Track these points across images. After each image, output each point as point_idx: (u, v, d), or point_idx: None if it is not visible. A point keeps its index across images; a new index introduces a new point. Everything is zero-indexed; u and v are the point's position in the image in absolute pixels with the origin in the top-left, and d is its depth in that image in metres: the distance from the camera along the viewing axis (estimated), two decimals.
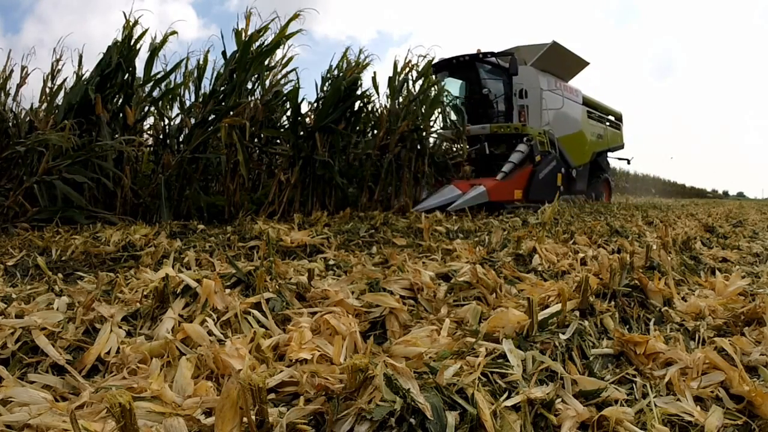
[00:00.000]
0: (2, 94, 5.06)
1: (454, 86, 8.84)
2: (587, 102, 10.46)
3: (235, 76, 5.55)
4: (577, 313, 1.47)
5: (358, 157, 6.42)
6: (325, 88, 6.16)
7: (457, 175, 7.38)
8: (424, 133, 6.88)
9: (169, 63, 5.84)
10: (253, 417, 0.82)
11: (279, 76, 6.08)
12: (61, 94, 5.39)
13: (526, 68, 8.57)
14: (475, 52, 8.48)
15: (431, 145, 7.36)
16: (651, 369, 1.20)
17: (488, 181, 6.64)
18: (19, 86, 5.25)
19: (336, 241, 3.23)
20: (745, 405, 1.04)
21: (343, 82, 5.99)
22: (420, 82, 7.11)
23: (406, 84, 6.95)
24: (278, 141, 6.13)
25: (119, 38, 5.19)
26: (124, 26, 5.20)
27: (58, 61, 5.44)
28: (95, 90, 4.96)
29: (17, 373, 1.18)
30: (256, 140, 5.94)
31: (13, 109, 5.07)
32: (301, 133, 5.82)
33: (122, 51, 5.14)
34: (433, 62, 7.95)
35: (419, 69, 7.05)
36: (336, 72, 6.27)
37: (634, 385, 1.13)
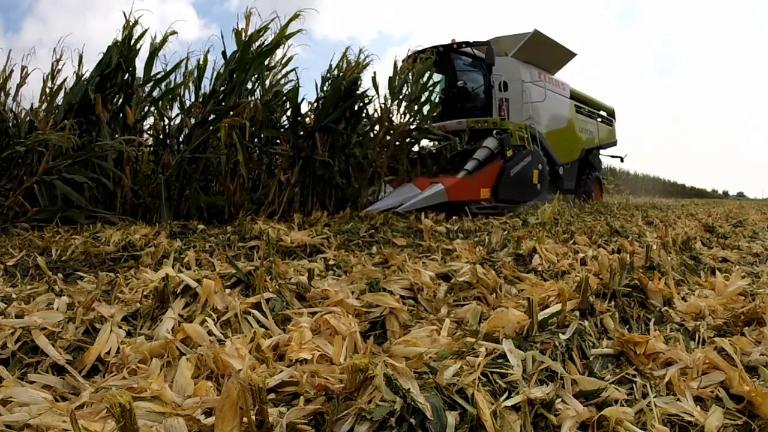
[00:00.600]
0: (2, 94, 5.06)
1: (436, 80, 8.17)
2: (576, 96, 9.99)
3: (235, 76, 5.56)
4: (577, 313, 1.47)
5: (357, 158, 6.41)
6: (325, 88, 6.16)
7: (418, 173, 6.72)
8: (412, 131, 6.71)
9: (169, 63, 5.84)
10: (253, 417, 0.82)
11: (279, 76, 6.08)
12: (61, 94, 5.39)
13: (506, 59, 8.08)
14: (450, 42, 7.86)
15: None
16: (651, 369, 1.20)
17: (448, 179, 6.02)
18: (19, 86, 5.25)
19: (336, 241, 3.23)
20: (745, 405, 1.04)
21: (343, 82, 6.00)
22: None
23: (406, 84, 6.91)
24: (278, 141, 6.13)
25: (119, 38, 5.19)
26: (124, 26, 5.20)
27: (58, 61, 5.44)
28: (95, 90, 4.96)
29: (17, 373, 1.18)
30: (256, 140, 5.94)
31: (13, 109, 5.07)
32: (301, 133, 5.83)
33: (122, 51, 5.14)
34: (407, 55, 7.63)
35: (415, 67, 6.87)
36: (336, 72, 6.27)
37: (634, 385, 1.13)
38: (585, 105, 10.32)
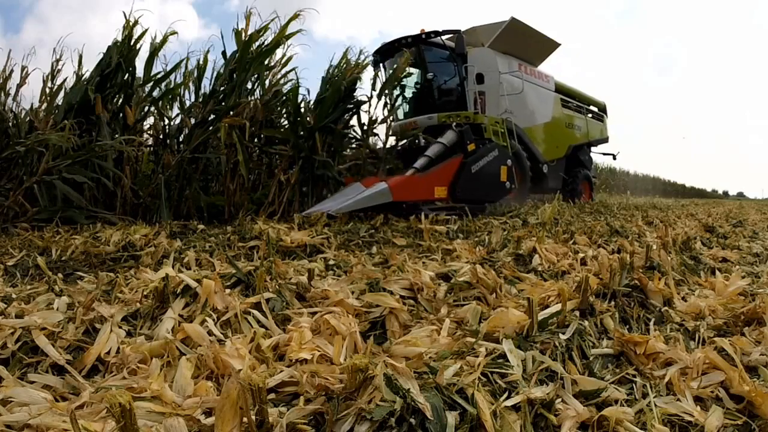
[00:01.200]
0: (2, 94, 5.07)
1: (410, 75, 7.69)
2: (562, 90, 9.32)
3: (235, 76, 5.56)
4: (577, 313, 1.47)
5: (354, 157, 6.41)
6: (326, 87, 6.17)
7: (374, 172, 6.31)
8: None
9: (169, 63, 5.86)
10: (253, 417, 0.82)
11: (279, 76, 6.09)
12: (61, 94, 5.40)
13: (482, 50, 7.53)
14: (419, 32, 7.26)
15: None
16: (651, 369, 1.20)
17: (393, 178, 5.43)
18: (19, 86, 5.26)
19: (336, 241, 3.23)
20: (745, 405, 1.04)
21: (342, 82, 6.00)
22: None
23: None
24: (277, 141, 6.14)
25: (119, 38, 5.20)
26: (124, 26, 5.21)
27: (58, 61, 5.44)
28: (95, 90, 4.97)
29: (17, 373, 1.18)
30: (256, 140, 5.95)
31: (13, 109, 5.08)
32: (301, 132, 5.83)
33: (122, 51, 5.15)
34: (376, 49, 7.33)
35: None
36: (336, 72, 6.28)
37: (634, 385, 1.13)
38: (572, 99, 9.69)
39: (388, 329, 1.51)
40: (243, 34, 5.62)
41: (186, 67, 5.91)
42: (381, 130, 7.31)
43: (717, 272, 2.45)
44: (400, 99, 7.55)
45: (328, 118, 5.85)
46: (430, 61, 7.38)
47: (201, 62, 5.92)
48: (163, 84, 5.73)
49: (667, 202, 13.72)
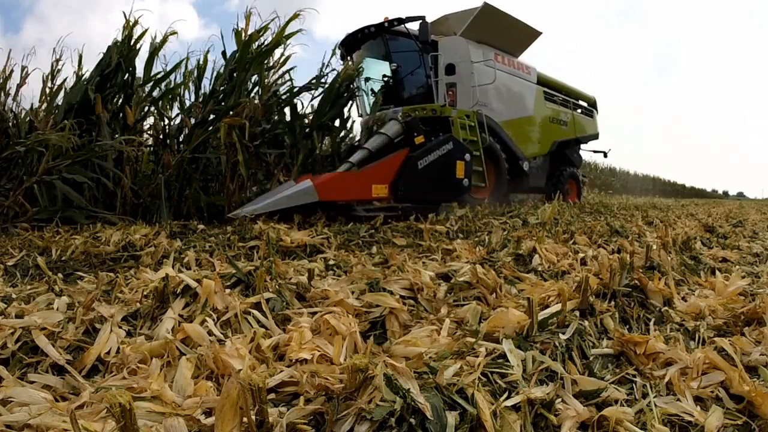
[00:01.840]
0: (2, 94, 5.06)
1: (377, 67, 7.17)
2: (546, 82, 8.69)
3: (235, 75, 5.56)
4: (577, 313, 1.47)
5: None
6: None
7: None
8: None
9: (169, 63, 5.86)
10: (253, 417, 0.82)
11: (277, 76, 6.09)
12: (61, 94, 5.40)
13: (454, 39, 6.99)
14: (383, 20, 6.68)
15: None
16: (651, 369, 1.20)
17: (323, 175, 4.95)
18: (19, 86, 5.26)
19: (336, 241, 3.23)
20: (745, 405, 1.04)
21: (338, 79, 5.99)
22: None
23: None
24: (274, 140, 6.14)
25: (119, 38, 5.20)
26: (124, 26, 5.21)
27: (58, 61, 5.44)
28: (95, 90, 4.97)
29: (17, 373, 1.18)
30: (255, 140, 5.95)
31: (13, 109, 5.07)
32: (299, 131, 5.83)
33: (122, 51, 5.15)
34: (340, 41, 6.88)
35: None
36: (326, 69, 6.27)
37: (634, 385, 1.13)
38: (558, 92, 9.05)
39: (388, 329, 1.51)
40: (243, 34, 5.62)
41: (186, 67, 5.91)
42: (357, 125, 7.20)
43: (717, 272, 2.45)
44: (369, 92, 7.19)
45: (326, 116, 5.85)
46: (394, 51, 6.80)
47: (201, 62, 5.92)
48: (163, 84, 5.73)
49: (667, 202, 13.71)
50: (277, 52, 5.86)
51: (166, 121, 5.84)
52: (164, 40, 5.50)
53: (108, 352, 1.27)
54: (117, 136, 4.88)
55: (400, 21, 6.49)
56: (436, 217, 4.81)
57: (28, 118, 5.02)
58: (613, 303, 1.65)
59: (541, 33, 7.97)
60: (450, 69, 6.79)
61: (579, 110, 9.75)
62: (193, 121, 5.56)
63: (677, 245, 2.81)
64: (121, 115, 5.19)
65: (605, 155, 11.32)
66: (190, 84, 5.98)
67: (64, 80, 5.52)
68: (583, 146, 10.14)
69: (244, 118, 5.26)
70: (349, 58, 7.07)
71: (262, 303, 1.55)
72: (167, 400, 0.96)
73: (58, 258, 2.77)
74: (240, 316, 1.46)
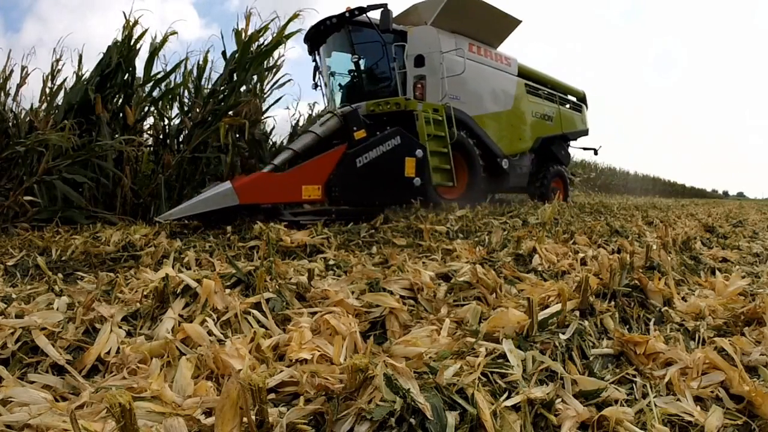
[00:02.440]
0: (2, 94, 5.07)
1: (344, 61, 6.62)
2: (528, 74, 8.13)
3: (235, 76, 5.56)
4: (577, 313, 1.47)
5: None
6: None
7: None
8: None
9: (169, 63, 5.87)
10: (253, 417, 0.82)
11: (278, 76, 6.10)
12: (61, 94, 5.40)
13: (424, 29, 6.49)
14: (344, 10, 6.16)
15: None
16: (651, 369, 1.20)
17: (245, 177, 4.52)
18: (19, 86, 5.26)
19: (336, 241, 3.23)
20: (745, 405, 1.04)
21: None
22: None
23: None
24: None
25: (119, 38, 5.21)
26: (124, 26, 5.21)
27: (58, 61, 5.45)
28: (95, 90, 4.98)
29: (17, 373, 1.18)
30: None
31: (13, 109, 5.08)
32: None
33: (122, 51, 5.15)
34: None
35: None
36: None
37: (634, 385, 1.13)
38: (542, 86, 8.46)
39: (388, 329, 1.51)
40: (243, 34, 5.62)
41: (186, 67, 5.92)
42: None
43: (717, 272, 2.45)
44: (336, 87, 6.76)
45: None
46: (357, 43, 6.26)
47: (201, 62, 5.93)
48: (163, 84, 5.74)
49: (667, 202, 13.70)
50: (277, 52, 5.87)
51: (166, 121, 5.86)
52: (164, 40, 5.51)
53: (108, 352, 1.27)
54: (117, 136, 4.88)
55: (362, 10, 5.98)
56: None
57: (28, 118, 5.03)
58: (613, 303, 1.65)
59: (520, 21, 7.35)
60: (419, 61, 6.27)
61: (566, 105, 9.13)
62: (191, 122, 5.57)
63: (677, 245, 2.81)
64: (121, 115, 5.19)
65: (596, 152, 10.57)
66: (190, 84, 5.99)
67: (64, 80, 5.54)
68: (572, 143, 9.59)
69: (243, 117, 5.26)
70: (316, 53, 6.71)
71: (262, 303, 1.55)
72: (167, 400, 0.96)
73: (58, 258, 2.77)
74: (240, 316, 1.46)
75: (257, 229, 3.44)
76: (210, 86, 5.73)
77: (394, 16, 6.13)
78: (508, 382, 1.04)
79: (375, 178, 4.84)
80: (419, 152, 5.20)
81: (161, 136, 5.73)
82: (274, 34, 5.80)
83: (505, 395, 0.97)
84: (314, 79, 6.83)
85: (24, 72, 5.30)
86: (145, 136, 5.83)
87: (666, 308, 1.69)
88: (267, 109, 6.10)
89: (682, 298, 1.87)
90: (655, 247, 2.47)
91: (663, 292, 1.76)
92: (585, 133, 9.61)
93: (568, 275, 2.26)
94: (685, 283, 2.20)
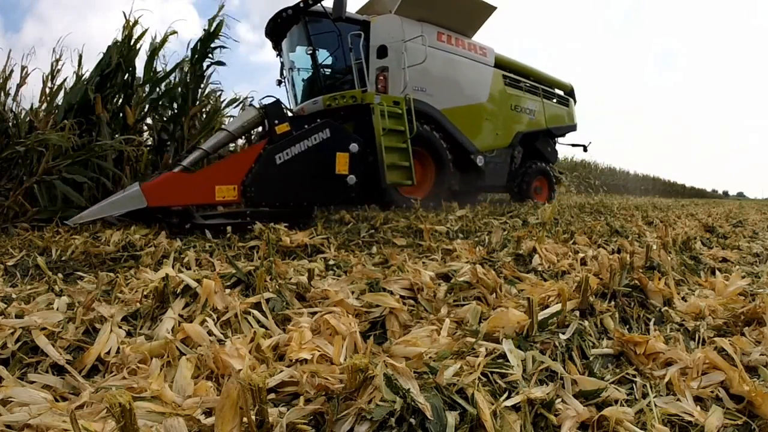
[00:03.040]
0: (2, 94, 5.07)
1: (306, 54, 6.23)
2: (507, 65, 7.62)
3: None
4: (577, 313, 1.48)
5: None
6: None
7: None
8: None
9: (169, 63, 5.87)
10: (253, 417, 0.82)
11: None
12: (61, 94, 5.40)
13: (387, 18, 6.08)
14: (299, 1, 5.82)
15: None
16: (651, 369, 1.20)
17: (156, 178, 4.19)
18: (19, 86, 5.25)
19: (336, 241, 3.24)
20: (745, 405, 1.04)
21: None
22: None
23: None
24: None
25: (119, 38, 5.21)
26: (124, 26, 5.21)
27: (57, 61, 5.44)
28: (95, 90, 4.97)
29: (17, 373, 1.18)
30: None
31: (13, 109, 5.07)
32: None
33: (122, 51, 5.15)
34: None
35: None
36: None
37: (634, 385, 1.13)
38: (524, 78, 7.93)
39: (388, 329, 1.51)
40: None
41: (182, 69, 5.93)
42: None
43: (717, 272, 2.45)
44: (300, 83, 6.48)
45: None
46: (315, 34, 5.92)
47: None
48: (163, 84, 5.74)
49: (667, 202, 13.70)
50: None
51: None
52: (164, 40, 5.51)
53: (108, 352, 1.27)
54: (117, 136, 4.88)
55: (316, 0, 5.68)
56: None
57: (28, 118, 5.02)
58: (613, 303, 1.65)
59: (495, 8, 6.80)
60: (381, 51, 5.89)
61: (552, 99, 8.58)
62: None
63: (677, 245, 2.81)
64: (121, 114, 5.19)
65: (585, 149, 9.94)
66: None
67: (64, 80, 5.53)
68: (560, 140, 9.07)
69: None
70: (280, 48, 6.46)
71: (262, 303, 1.55)
72: (167, 400, 0.96)
73: (58, 258, 2.77)
74: (240, 316, 1.46)
75: (257, 229, 3.44)
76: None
77: (360, 5, 5.94)
78: (508, 382, 1.04)
79: (298, 176, 4.42)
80: (354, 146, 4.70)
81: (164, 136, 5.74)
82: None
83: (505, 395, 0.97)
84: (281, 76, 6.62)
85: (24, 72, 5.29)
86: (145, 136, 5.83)
87: (666, 308, 1.69)
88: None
89: (682, 298, 1.87)
90: (655, 247, 2.47)
91: (663, 292, 1.76)
92: (573, 128, 9.09)
93: (568, 275, 2.26)
94: (685, 283, 2.20)
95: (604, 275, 1.83)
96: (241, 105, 6.68)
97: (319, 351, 1.23)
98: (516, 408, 0.94)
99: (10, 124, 4.75)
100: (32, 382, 1.11)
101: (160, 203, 3.94)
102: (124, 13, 5.24)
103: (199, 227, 3.89)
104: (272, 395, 1.03)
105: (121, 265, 2.62)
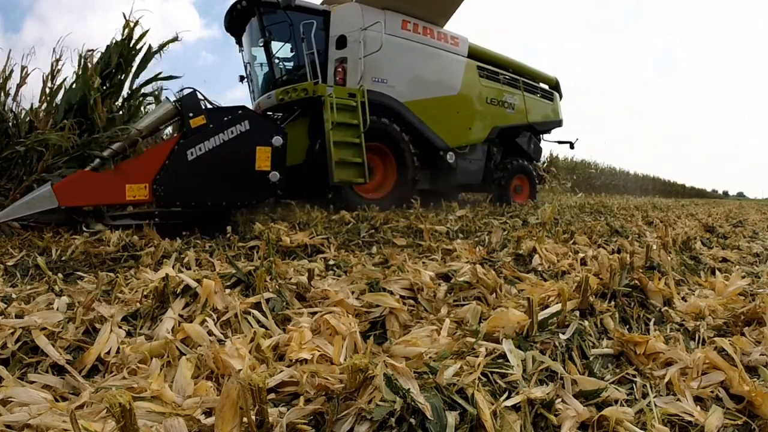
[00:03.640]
0: (2, 94, 5.06)
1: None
2: (482, 56, 7.17)
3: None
4: (577, 313, 1.48)
5: None
6: None
7: None
8: None
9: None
10: (253, 417, 0.82)
11: None
12: (61, 93, 5.40)
13: (348, 6, 5.82)
14: None
15: None
16: (651, 369, 1.20)
17: (67, 177, 3.89)
18: (19, 86, 5.25)
19: (336, 241, 3.24)
20: (745, 405, 1.04)
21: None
22: None
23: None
24: None
25: (118, 38, 5.21)
26: (124, 26, 5.21)
27: (57, 61, 5.44)
28: (96, 91, 4.97)
29: (17, 373, 1.18)
30: None
31: (13, 109, 5.07)
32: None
33: (122, 51, 5.15)
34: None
35: None
36: None
37: (634, 385, 1.13)
38: (502, 69, 7.47)
39: (388, 329, 1.51)
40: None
41: None
42: None
43: (717, 272, 2.45)
44: (258, 78, 6.24)
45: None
46: (268, 25, 5.63)
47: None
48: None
49: (667, 202, 13.69)
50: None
51: None
52: (162, 46, 5.45)
53: (108, 352, 1.27)
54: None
55: None
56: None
57: (28, 118, 5.02)
58: (613, 303, 1.65)
59: None
60: (341, 41, 5.61)
61: (536, 92, 8.10)
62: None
63: (677, 245, 2.81)
64: (120, 113, 5.19)
65: (572, 146, 9.31)
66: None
67: (64, 80, 5.52)
68: (546, 137, 8.63)
69: None
70: (240, 43, 6.25)
71: (262, 303, 1.55)
72: (167, 400, 0.96)
73: (58, 258, 2.76)
74: (240, 316, 1.46)
75: (257, 229, 3.44)
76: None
77: None
78: (508, 382, 1.04)
79: (213, 173, 4.05)
80: (277, 140, 4.27)
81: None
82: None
83: (505, 395, 0.97)
84: (246, 71, 6.41)
85: (24, 72, 5.29)
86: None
87: (666, 308, 1.69)
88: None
89: (682, 298, 1.87)
90: (655, 247, 2.47)
91: (663, 292, 1.76)
92: (558, 124, 8.57)
93: (568, 275, 2.26)
94: (685, 283, 2.20)
95: (604, 275, 1.83)
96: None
97: (319, 351, 1.23)
98: (516, 408, 0.94)
99: (10, 124, 4.75)
100: (32, 382, 1.11)
101: (71, 203, 3.72)
102: (123, 14, 5.24)
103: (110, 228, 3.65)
104: (272, 395, 1.03)
105: (121, 265, 2.62)
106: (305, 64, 5.57)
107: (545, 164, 16.66)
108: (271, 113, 6.08)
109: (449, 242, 3.21)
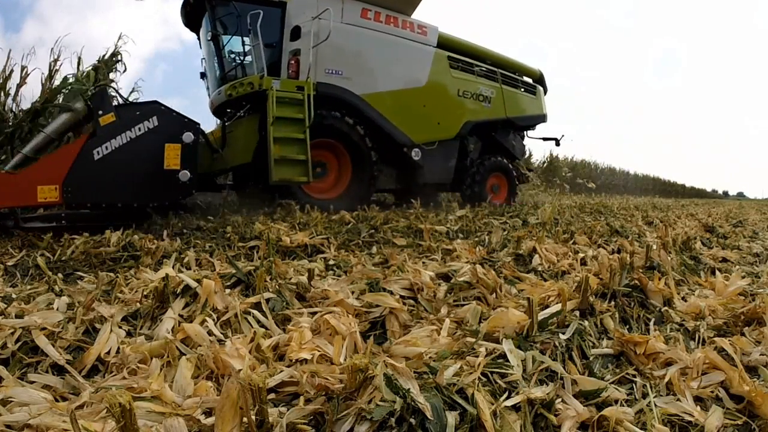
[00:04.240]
0: (2, 94, 5.07)
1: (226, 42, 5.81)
2: (454, 46, 6.72)
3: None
4: (577, 313, 1.47)
5: None
6: None
7: None
8: None
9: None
10: (253, 417, 0.82)
11: None
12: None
13: None
14: None
15: None
16: (651, 369, 1.20)
17: None
18: (19, 86, 5.26)
19: (336, 241, 3.23)
20: (745, 405, 1.04)
21: None
22: None
23: None
24: None
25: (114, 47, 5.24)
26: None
27: (55, 61, 5.45)
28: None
29: (17, 373, 1.18)
30: None
31: (13, 109, 5.07)
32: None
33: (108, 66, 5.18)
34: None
35: None
36: None
37: (634, 385, 1.13)
38: (477, 60, 6.97)
39: (388, 329, 1.51)
40: None
41: None
42: None
43: (717, 272, 2.45)
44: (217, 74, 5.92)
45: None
46: (219, 17, 5.41)
47: None
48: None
49: (667, 202, 13.68)
50: None
51: None
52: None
53: (108, 352, 1.27)
54: None
55: None
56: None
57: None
58: (613, 303, 1.65)
59: None
60: (295, 33, 5.34)
61: (517, 85, 7.57)
62: None
63: (677, 245, 2.81)
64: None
65: (557, 143, 8.68)
66: None
67: (63, 79, 5.53)
68: (530, 133, 8.11)
69: None
70: (198, 36, 6.05)
71: (262, 303, 1.55)
72: (167, 400, 0.96)
73: (58, 258, 2.76)
74: (240, 316, 1.46)
75: (257, 229, 3.44)
76: None
77: None
78: (508, 382, 1.04)
79: (120, 172, 3.88)
80: (188, 136, 4.09)
81: None
82: None
83: (505, 395, 0.97)
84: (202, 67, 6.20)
85: (24, 72, 5.30)
86: None
87: (666, 308, 1.69)
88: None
89: (682, 298, 1.87)
90: (655, 247, 2.47)
91: (663, 292, 1.76)
92: (542, 119, 7.98)
93: (568, 275, 2.26)
94: (685, 283, 2.20)
95: (604, 275, 1.83)
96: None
97: (319, 351, 1.23)
98: (516, 408, 0.94)
99: (10, 124, 4.75)
100: (32, 382, 1.11)
101: None
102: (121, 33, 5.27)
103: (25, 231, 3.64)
104: (272, 395, 1.03)
105: (121, 265, 2.62)
106: (252, 57, 5.35)
107: (545, 163, 16.64)
108: (230, 110, 5.89)
109: (449, 242, 3.21)
